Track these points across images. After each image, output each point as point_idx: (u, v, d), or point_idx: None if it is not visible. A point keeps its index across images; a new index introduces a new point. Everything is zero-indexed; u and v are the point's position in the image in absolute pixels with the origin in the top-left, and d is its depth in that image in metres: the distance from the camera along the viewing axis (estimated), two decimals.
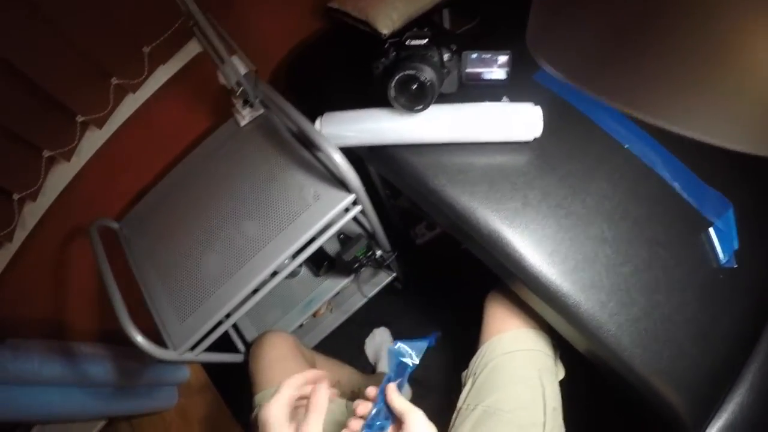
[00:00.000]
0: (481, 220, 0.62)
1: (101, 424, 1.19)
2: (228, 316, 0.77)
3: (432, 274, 1.25)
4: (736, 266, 0.58)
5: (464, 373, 0.69)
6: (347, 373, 1.02)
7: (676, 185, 0.62)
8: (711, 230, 0.60)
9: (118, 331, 1.11)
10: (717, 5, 0.22)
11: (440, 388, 1.09)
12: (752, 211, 0.62)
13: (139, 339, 0.70)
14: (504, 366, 0.63)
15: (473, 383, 0.64)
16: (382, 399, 0.45)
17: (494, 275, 0.68)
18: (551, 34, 0.32)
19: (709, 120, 0.25)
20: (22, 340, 0.94)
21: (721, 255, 0.59)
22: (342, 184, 0.74)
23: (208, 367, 1.35)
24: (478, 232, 0.62)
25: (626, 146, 0.64)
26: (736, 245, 0.59)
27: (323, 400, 0.43)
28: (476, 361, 0.66)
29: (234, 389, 1.29)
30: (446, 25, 0.96)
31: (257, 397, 0.72)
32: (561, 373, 0.67)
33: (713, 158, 0.62)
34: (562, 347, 0.68)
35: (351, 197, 0.73)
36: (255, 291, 0.77)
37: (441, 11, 0.92)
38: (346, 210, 0.76)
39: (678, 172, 0.63)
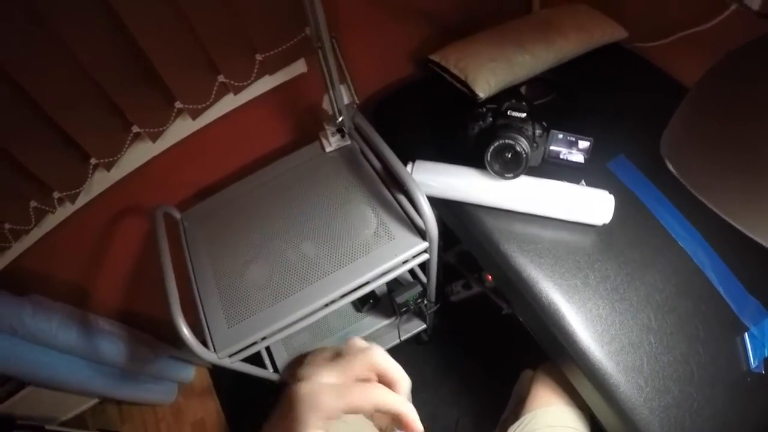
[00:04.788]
0: (543, 291, 0.70)
1: (93, 402, 1.20)
2: (274, 332, 0.78)
3: (459, 332, 1.32)
4: (763, 373, 0.65)
5: None
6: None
7: (721, 289, 0.69)
8: (746, 335, 0.66)
9: (137, 315, 1.17)
10: None
11: None
12: None
13: (186, 332, 0.70)
14: None
15: None
16: None
17: (522, 348, 0.72)
18: (687, 149, 0.40)
19: None
20: (46, 298, 0.98)
21: (752, 360, 0.65)
22: (416, 230, 0.80)
23: (216, 374, 1.37)
24: (539, 301, 0.70)
25: (681, 244, 0.73)
26: (767, 353, 0.66)
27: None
28: (518, 428, 0.72)
29: (238, 403, 1.32)
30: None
31: None
32: None
33: (759, 269, 0.71)
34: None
35: (425, 245, 0.78)
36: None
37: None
38: (413, 256, 0.80)
39: (724, 276, 0.70)
